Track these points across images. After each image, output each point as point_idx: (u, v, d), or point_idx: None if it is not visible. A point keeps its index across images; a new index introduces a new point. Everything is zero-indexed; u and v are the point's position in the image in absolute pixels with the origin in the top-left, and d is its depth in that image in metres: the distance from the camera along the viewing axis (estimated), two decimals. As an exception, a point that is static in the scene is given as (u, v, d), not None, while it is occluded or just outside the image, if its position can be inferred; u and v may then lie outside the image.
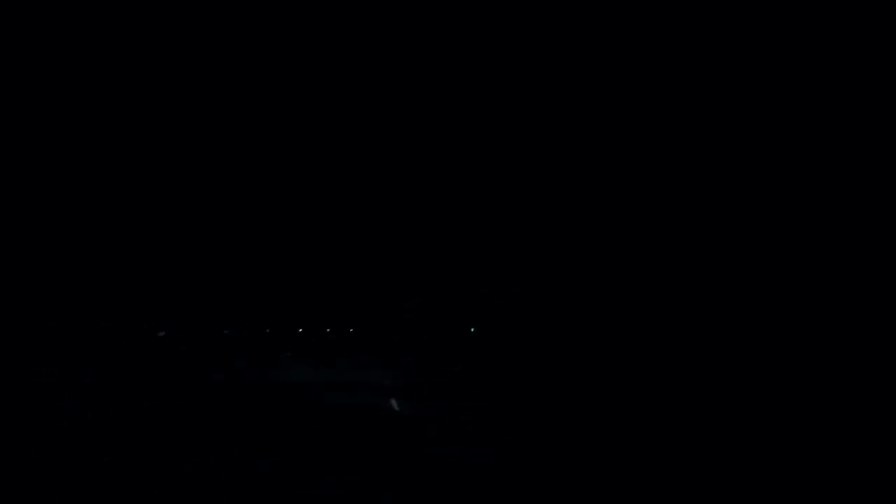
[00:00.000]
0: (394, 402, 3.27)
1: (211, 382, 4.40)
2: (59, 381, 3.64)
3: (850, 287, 2.16)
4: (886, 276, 2.07)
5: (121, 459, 1.83)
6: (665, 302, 2.46)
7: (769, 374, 2.75)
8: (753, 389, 2.60)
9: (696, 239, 2.33)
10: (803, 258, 2.27)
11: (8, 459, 1.81)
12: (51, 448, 1.97)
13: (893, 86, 2.11)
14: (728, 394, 2.69)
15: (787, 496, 1.49)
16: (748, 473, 1.67)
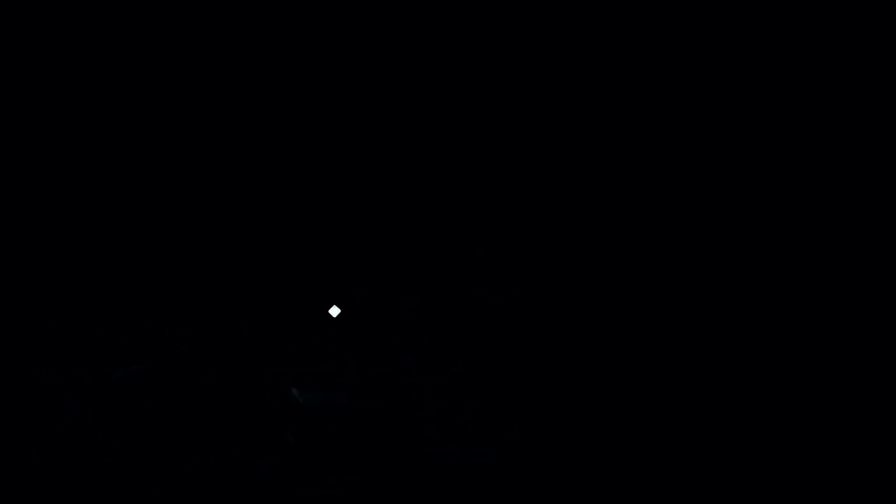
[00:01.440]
0: (392, 402, 3.27)
1: (210, 383, 4.40)
2: (59, 381, 3.64)
3: (850, 287, 2.16)
4: (886, 276, 2.08)
5: (121, 459, 1.83)
6: (665, 302, 2.44)
7: (769, 375, 2.74)
8: (753, 390, 2.60)
9: (696, 239, 2.32)
10: (804, 258, 2.26)
11: (8, 459, 1.81)
12: (51, 448, 1.97)
13: (893, 86, 2.11)
14: (728, 394, 2.70)
15: (788, 496, 1.49)
16: (748, 473, 1.67)
